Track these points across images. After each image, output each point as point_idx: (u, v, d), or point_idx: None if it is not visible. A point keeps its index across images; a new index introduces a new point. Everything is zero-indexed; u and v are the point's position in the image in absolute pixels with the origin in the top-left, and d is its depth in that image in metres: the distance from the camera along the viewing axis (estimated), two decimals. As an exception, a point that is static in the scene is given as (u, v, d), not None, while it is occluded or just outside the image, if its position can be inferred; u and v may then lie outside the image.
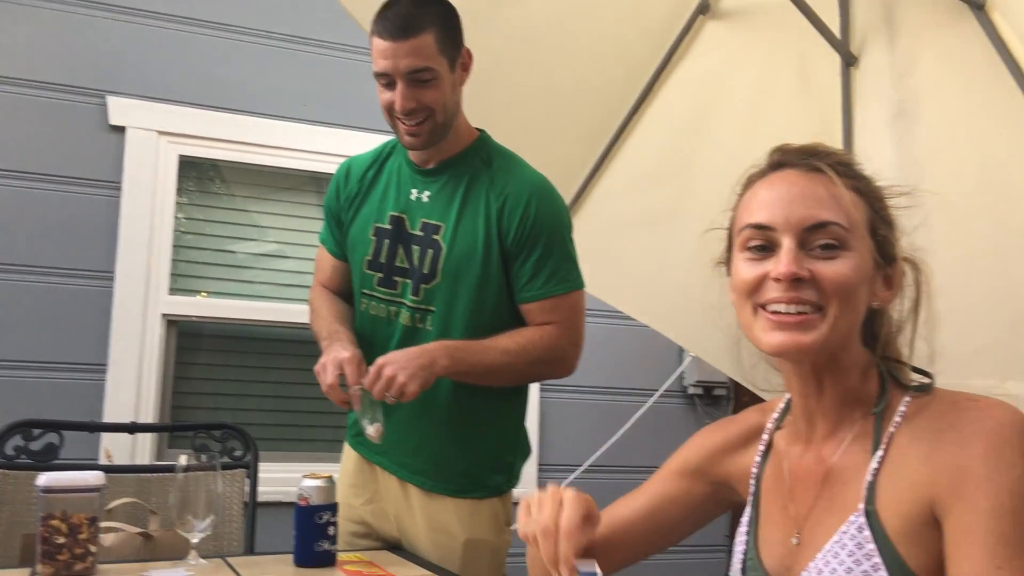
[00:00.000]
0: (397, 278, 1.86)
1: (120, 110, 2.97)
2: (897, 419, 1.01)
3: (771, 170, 1.04)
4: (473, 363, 1.76)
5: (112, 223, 2.93)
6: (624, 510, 1.25)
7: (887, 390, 1.03)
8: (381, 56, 1.73)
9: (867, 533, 0.97)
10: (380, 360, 1.68)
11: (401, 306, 1.85)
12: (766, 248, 1.01)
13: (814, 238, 0.98)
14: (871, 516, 0.98)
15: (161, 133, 3.01)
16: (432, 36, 1.72)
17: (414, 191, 1.87)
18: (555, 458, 3.35)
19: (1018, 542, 0.89)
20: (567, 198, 2.44)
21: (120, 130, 2.97)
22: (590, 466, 3.31)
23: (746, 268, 1.02)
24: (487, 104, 2.23)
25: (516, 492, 1.96)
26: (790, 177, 1.01)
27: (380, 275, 1.87)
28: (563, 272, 1.83)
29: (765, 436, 1.17)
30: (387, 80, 1.75)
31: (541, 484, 3.32)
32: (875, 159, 1.95)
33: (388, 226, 1.87)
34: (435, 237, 1.82)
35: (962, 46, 1.74)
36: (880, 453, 1.00)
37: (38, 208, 2.88)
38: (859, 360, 1.04)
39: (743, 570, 1.12)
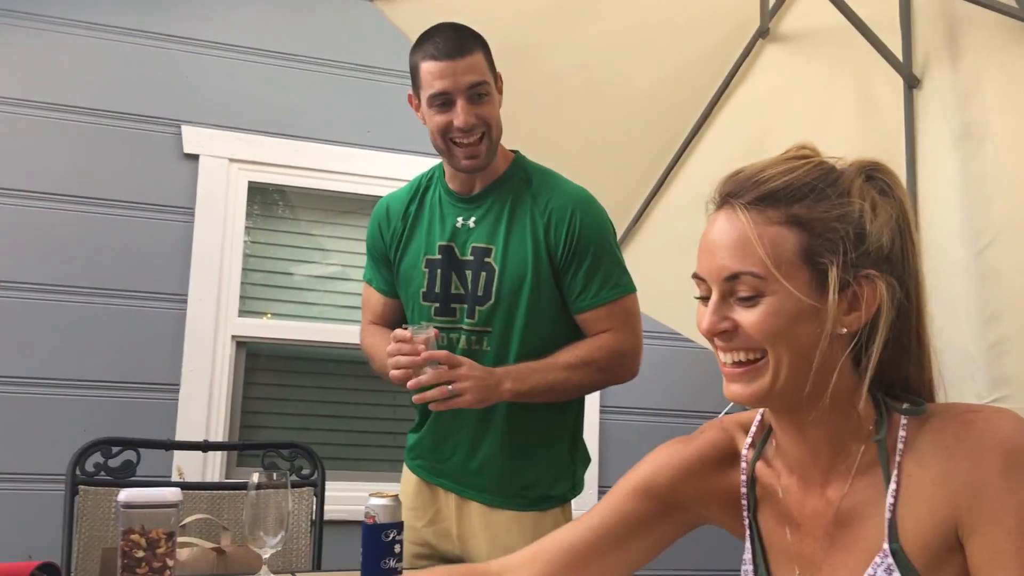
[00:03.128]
0: (454, 305, 1.89)
1: (193, 139, 3.07)
2: (900, 446, 0.97)
3: (714, 208, 1.02)
4: (536, 383, 1.79)
5: (185, 247, 3.02)
6: (570, 533, 1.17)
7: (884, 416, 0.99)
8: (438, 78, 1.79)
9: (897, 574, 0.94)
10: (463, 370, 1.73)
11: (459, 331, 1.88)
12: (707, 297, 1.00)
13: (734, 288, 0.97)
14: (897, 555, 0.94)
15: (232, 160, 3.10)
16: (481, 54, 1.82)
17: (460, 219, 1.90)
18: (615, 480, 3.34)
19: None
20: (627, 219, 2.47)
21: (194, 158, 3.07)
22: (651, 488, 3.28)
23: (700, 316, 1.01)
24: (550, 127, 2.27)
25: (574, 503, 1.97)
26: (718, 220, 1.00)
27: (437, 304, 1.90)
28: (614, 278, 1.87)
29: (743, 464, 1.11)
30: (444, 100, 1.80)
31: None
32: (940, 182, 1.94)
33: (438, 256, 1.90)
34: (487, 260, 1.86)
35: (1027, 67, 1.73)
36: (893, 486, 0.96)
37: (117, 233, 2.98)
38: (845, 390, 0.98)
39: None
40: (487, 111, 1.82)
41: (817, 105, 2.15)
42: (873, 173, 1.01)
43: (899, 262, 0.98)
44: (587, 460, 1.99)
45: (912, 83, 1.98)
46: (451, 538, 1.91)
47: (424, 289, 1.91)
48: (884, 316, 0.95)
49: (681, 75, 2.30)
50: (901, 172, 2.01)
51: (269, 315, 3.20)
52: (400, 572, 1.68)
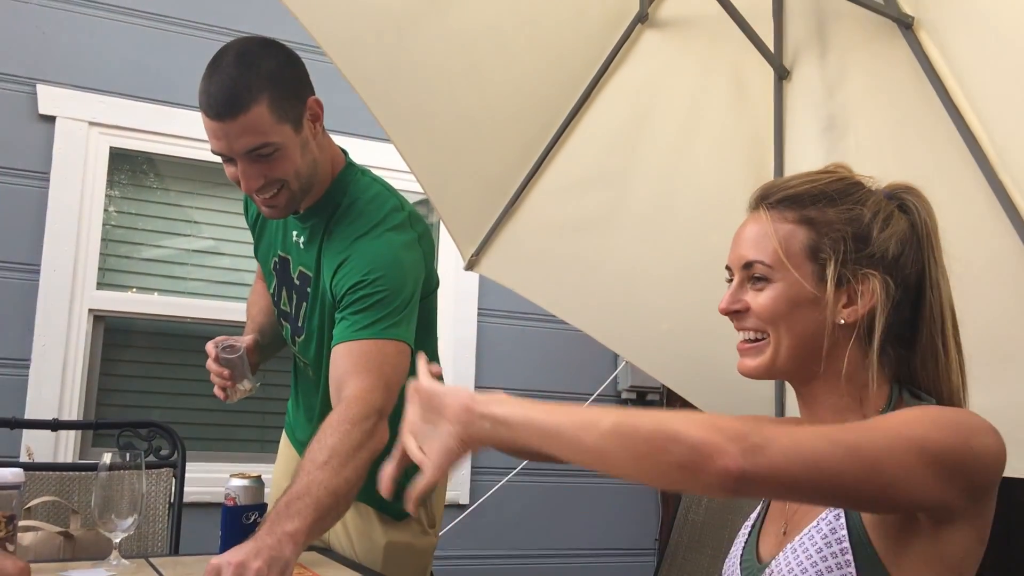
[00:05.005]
0: (282, 320, 1.83)
1: (50, 99, 2.89)
2: None
3: (748, 210, 1.18)
4: (319, 520, 1.39)
5: (39, 215, 2.86)
6: None
7: (891, 407, 1.09)
8: (212, 135, 1.54)
9: (842, 520, 1.03)
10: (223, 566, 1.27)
11: (291, 348, 1.84)
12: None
13: (750, 274, 1.13)
14: None
15: (92, 124, 2.94)
16: (264, 106, 1.52)
17: (294, 232, 1.76)
18: (489, 460, 3.36)
19: (866, 438, 0.93)
20: (504, 200, 2.46)
21: (50, 120, 2.89)
22: (523, 469, 3.32)
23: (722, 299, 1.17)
24: (429, 104, 2.23)
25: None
26: (748, 220, 1.16)
27: (276, 310, 1.86)
28: (379, 322, 1.58)
29: None
30: (224, 157, 1.58)
31: (475, 487, 3.33)
32: (806, 170, 2.01)
33: (279, 264, 1.82)
34: (307, 289, 1.73)
35: (890, 63, 1.80)
36: None
37: (-39, 197, 2.80)
38: (855, 378, 1.09)
39: (742, 555, 1.19)
40: (277, 170, 1.57)
41: (692, 92, 2.18)
42: (898, 193, 1.15)
43: (911, 271, 1.11)
44: None
45: (782, 74, 2.04)
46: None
47: (272, 290, 1.86)
48: (879, 310, 1.07)
49: (561, 57, 2.29)
50: (769, 160, 2.08)
51: (134, 289, 3.06)
52: (262, 555, 1.63)
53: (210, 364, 1.78)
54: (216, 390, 1.81)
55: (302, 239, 1.74)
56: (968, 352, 1.19)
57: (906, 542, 0.98)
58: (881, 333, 1.07)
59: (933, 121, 1.70)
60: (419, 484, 1.03)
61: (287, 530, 1.33)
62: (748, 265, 1.13)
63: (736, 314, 1.14)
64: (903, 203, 1.14)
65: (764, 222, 1.13)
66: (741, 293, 1.14)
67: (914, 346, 1.11)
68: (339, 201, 1.69)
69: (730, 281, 1.17)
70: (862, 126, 1.87)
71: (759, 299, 1.11)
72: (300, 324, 1.75)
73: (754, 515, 1.24)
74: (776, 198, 1.14)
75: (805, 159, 2.02)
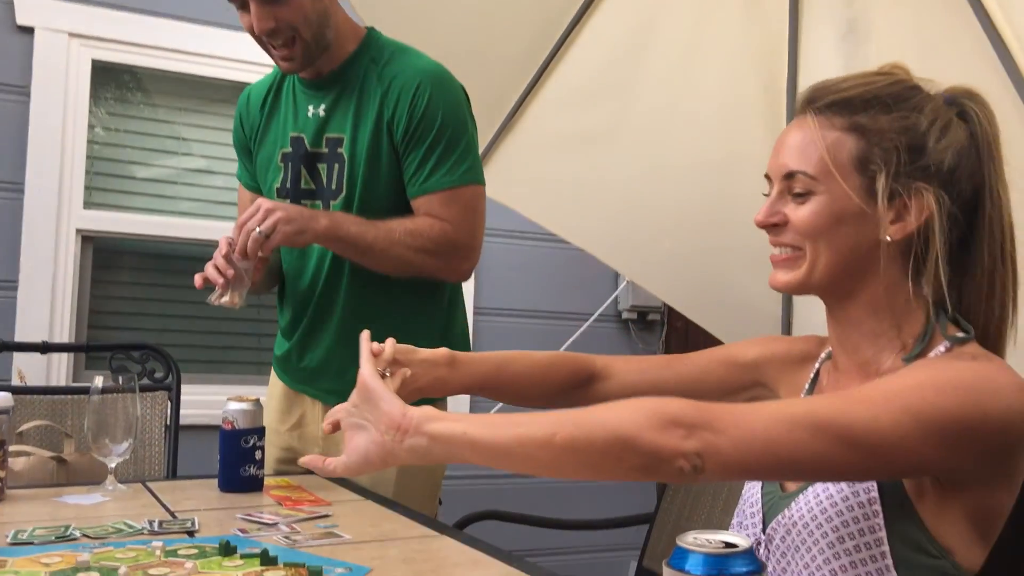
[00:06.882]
0: (305, 201, 1.78)
1: (28, 9, 2.77)
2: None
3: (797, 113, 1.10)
4: (352, 233, 1.66)
5: (21, 131, 2.76)
6: (664, 373, 1.28)
7: (926, 337, 1.02)
8: None
9: None
10: (267, 204, 1.62)
11: None
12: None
13: (791, 185, 1.05)
14: None
15: (72, 35, 2.82)
16: None
17: (310, 107, 1.78)
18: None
19: (877, 399, 0.90)
20: (503, 113, 2.38)
21: (28, 31, 2.78)
22: (523, 389, 3.30)
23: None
24: (422, 15, 2.14)
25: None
26: (792, 125, 1.08)
27: (288, 200, 1.80)
28: (458, 164, 1.71)
29: (816, 365, 1.19)
30: (240, 2, 1.64)
31: (474, 405, 3.31)
32: (822, 77, 1.93)
33: (291, 149, 1.80)
34: (339, 151, 1.74)
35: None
36: None
37: (-62, 113, 2.70)
38: (898, 302, 1.03)
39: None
40: (287, 13, 1.63)
41: (702, -2, 2.09)
42: (959, 99, 1.05)
43: (967, 184, 1.02)
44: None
45: (798, -23, 1.95)
46: (317, 443, 1.84)
47: (278, 184, 1.80)
48: (937, 226, 0.99)
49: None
50: (782, 69, 1.99)
51: (125, 209, 2.98)
52: (262, 479, 1.61)
53: (219, 257, 1.69)
54: (198, 277, 1.71)
55: (322, 107, 1.77)
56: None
57: (927, 487, 0.95)
58: (938, 251, 0.99)
59: (960, 23, 1.62)
60: (327, 469, 1.06)
61: (323, 223, 1.63)
62: (790, 175, 1.04)
63: (773, 227, 1.07)
64: (963, 109, 1.05)
65: (810, 128, 1.04)
66: (780, 205, 1.06)
67: (965, 265, 1.03)
68: (374, 55, 1.76)
69: (768, 195, 1.09)
70: (884, 30, 1.79)
71: (800, 212, 1.04)
72: (334, 187, 1.75)
73: None
74: (825, 102, 1.04)
75: (820, 67, 1.94)
